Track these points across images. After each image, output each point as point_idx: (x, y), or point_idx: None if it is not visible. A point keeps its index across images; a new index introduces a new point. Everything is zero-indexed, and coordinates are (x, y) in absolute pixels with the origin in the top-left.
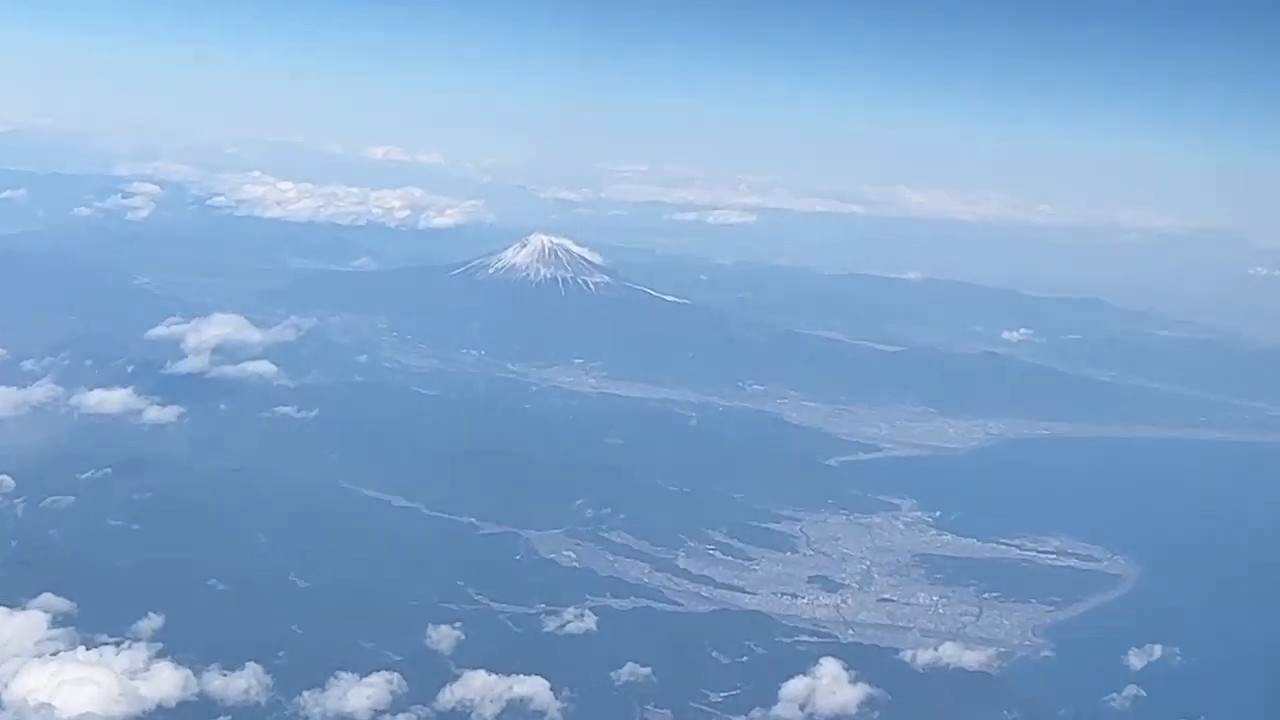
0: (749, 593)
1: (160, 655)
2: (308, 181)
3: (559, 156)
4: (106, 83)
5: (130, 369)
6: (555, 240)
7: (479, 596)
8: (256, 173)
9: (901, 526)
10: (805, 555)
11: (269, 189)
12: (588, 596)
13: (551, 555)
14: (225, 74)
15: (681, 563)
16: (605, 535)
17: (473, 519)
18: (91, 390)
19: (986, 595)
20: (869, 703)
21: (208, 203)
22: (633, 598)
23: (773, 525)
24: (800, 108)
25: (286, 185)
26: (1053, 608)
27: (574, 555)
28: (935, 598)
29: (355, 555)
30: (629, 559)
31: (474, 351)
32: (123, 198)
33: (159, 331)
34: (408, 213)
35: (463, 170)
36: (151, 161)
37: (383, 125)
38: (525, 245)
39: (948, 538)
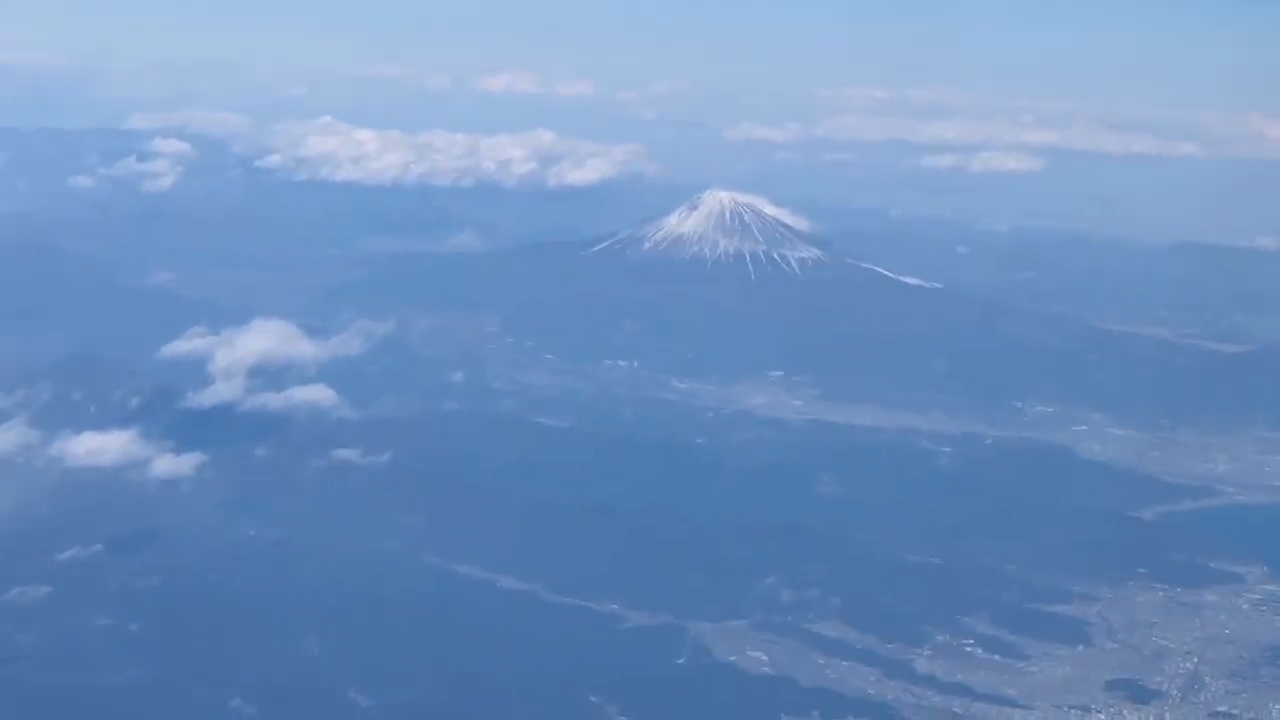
0: (1022, 706)
1: None
2: (395, 129)
3: (759, 79)
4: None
5: (135, 402)
6: (742, 199)
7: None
8: (326, 119)
9: (1246, 606)
10: (1105, 649)
11: (341, 141)
12: (785, 717)
13: (732, 657)
14: None
15: (924, 665)
16: (811, 627)
17: (616, 606)
18: (80, 434)
19: None
20: None
21: (256, 164)
22: (852, 717)
23: (1058, 607)
24: (1108, 3)
25: (365, 135)
26: None
27: (765, 657)
28: None
29: (443, 661)
30: (847, 661)
31: (623, 363)
32: (138, 161)
33: (177, 348)
34: (533, 166)
35: (619, 104)
36: (181, 110)
37: (509, 44)
38: (697, 207)
39: None
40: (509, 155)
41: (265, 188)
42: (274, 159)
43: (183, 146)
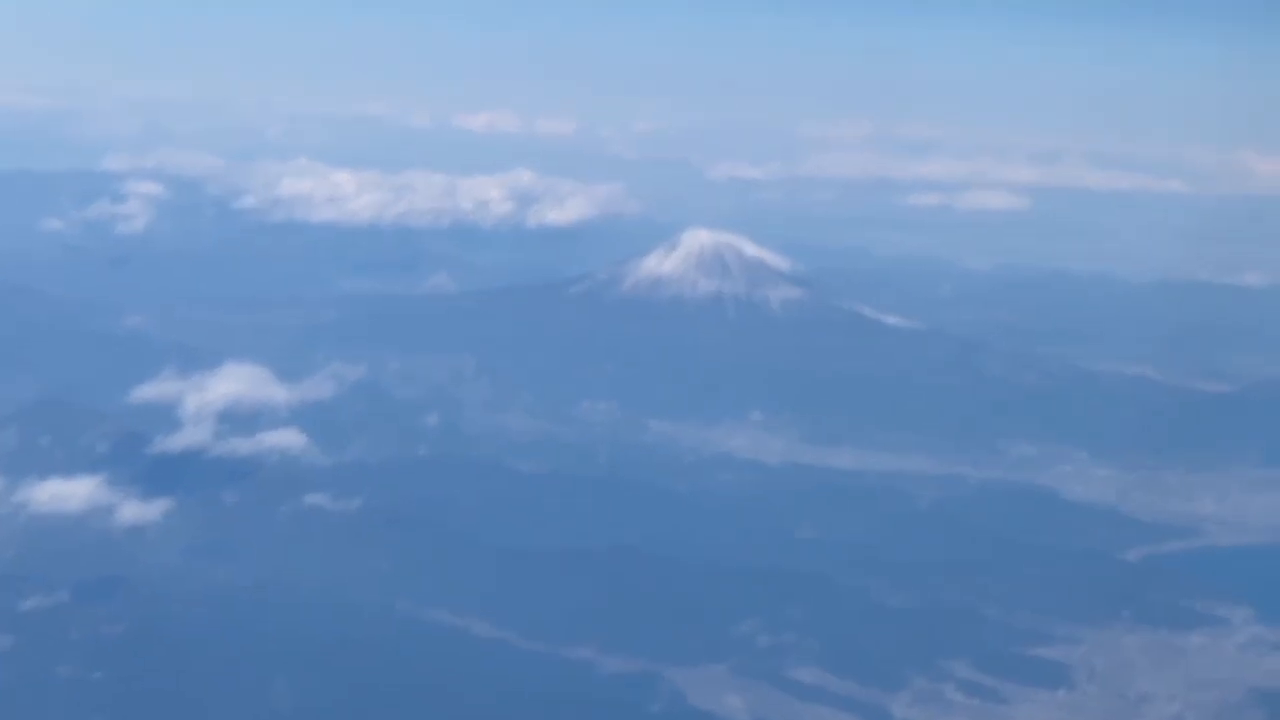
0: None
1: None
2: (374, 168)
3: (741, 116)
4: (102, 41)
5: (103, 447)
6: (723, 238)
7: None
8: (302, 159)
9: (1232, 649)
10: (1088, 693)
11: (317, 182)
12: None
13: (708, 705)
14: (275, 25)
15: (903, 710)
16: (789, 673)
17: (591, 653)
18: (45, 479)
19: None
20: None
21: (232, 205)
22: None
23: (1040, 650)
24: (1098, 41)
25: (342, 175)
26: None
27: (741, 702)
28: None
29: (414, 710)
30: (825, 706)
31: (601, 404)
32: (112, 202)
33: (147, 391)
34: (511, 206)
35: (600, 142)
36: (156, 150)
37: (490, 82)
38: (677, 247)
39: None
40: (487, 195)
41: (240, 229)
42: (249, 200)
43: (156, 188)
